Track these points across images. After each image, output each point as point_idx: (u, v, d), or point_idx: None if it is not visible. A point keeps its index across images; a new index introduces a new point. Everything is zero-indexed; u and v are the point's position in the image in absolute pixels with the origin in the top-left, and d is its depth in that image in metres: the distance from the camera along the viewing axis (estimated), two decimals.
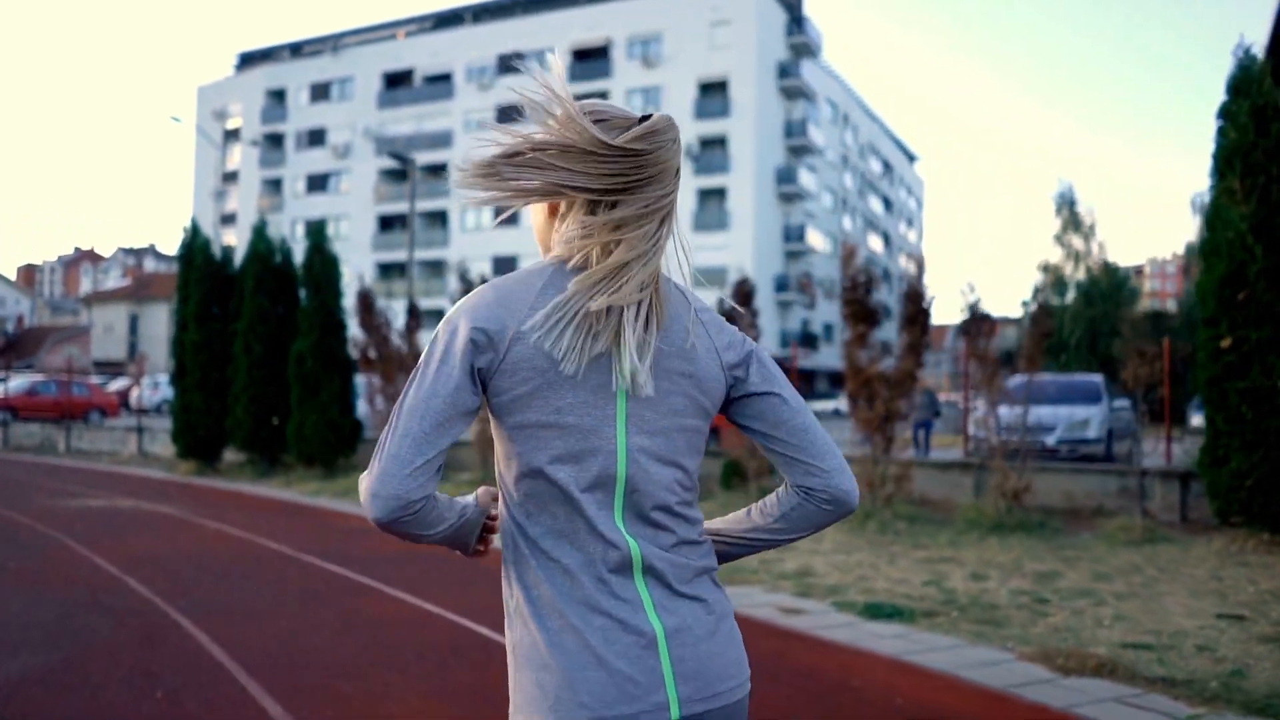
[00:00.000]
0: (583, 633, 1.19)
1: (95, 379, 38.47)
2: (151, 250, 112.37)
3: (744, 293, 10.91)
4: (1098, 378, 15.01)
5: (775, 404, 1.33)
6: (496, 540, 1.34)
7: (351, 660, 4.77)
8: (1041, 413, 11.14)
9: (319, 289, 13.79)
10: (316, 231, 14.11)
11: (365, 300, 13.05)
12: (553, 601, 1.21)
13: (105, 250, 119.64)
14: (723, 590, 1.32)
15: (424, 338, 13.46)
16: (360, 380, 14.28)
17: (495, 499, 1.36)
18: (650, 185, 1.23)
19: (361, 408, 14.28)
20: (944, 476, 11.10)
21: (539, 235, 1.34)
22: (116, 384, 37.98)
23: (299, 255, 14.91)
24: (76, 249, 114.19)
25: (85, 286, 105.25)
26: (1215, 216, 8.53)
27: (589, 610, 1.20)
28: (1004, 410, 9.71)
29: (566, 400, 1.21)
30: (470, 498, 1.34)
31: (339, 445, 13.73)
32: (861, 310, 9.72)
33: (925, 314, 9.71)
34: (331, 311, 13.85)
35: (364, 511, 1.18)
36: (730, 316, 11.07)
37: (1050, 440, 12.57)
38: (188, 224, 15.60)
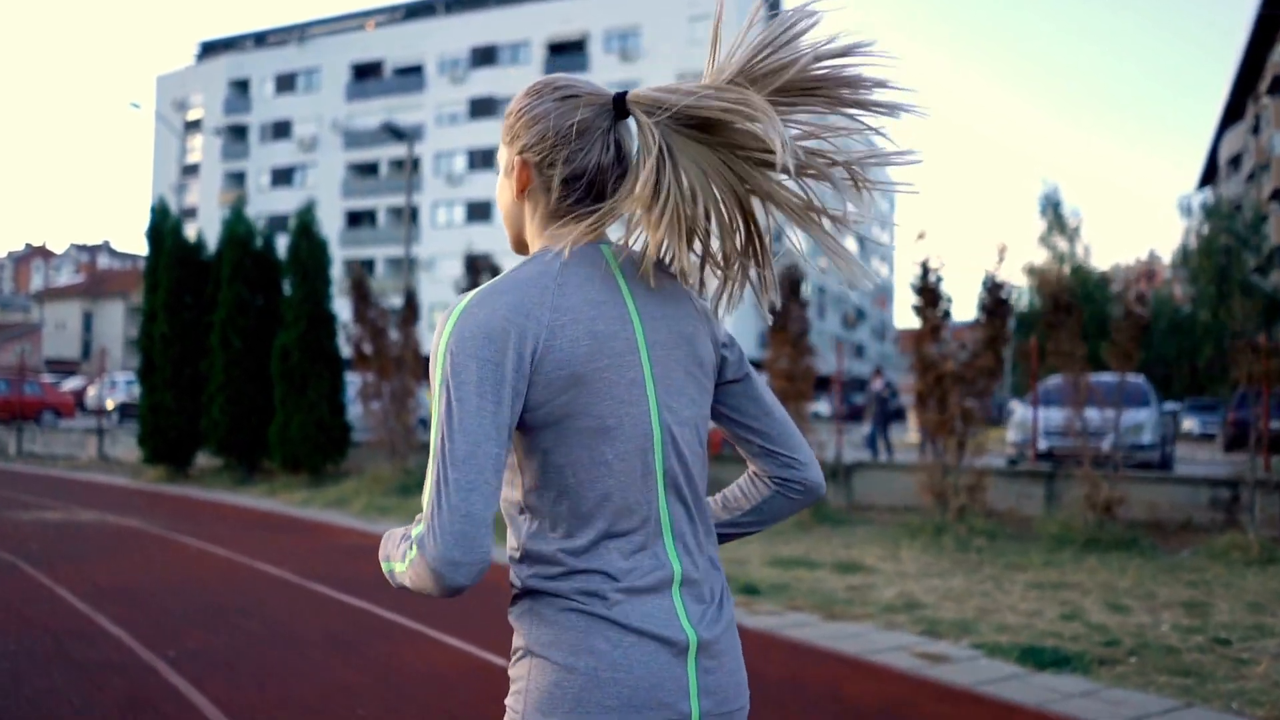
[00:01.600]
0: (615, 639, 1.12)
1: (48, 378, 36.58)
2: (106, 246, 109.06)
3: (792, 281, 9.77)
4: (1140, 378, 14.09)
5: (754, 390, 1.30)
6: None
7: None
8: (1091, 416, 10.30)
9: (306, 277, 12.42)
10: (304, 214, 12.75)
11: (360, 289, 11.73)
12: (585, 610, 1.12)
13: (57, 246, 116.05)
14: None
15: (420, 332, 12.19)
16: (352, 378, 12.94)
17: None
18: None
19: (354, 408, 12.94)
20: (1011, 485, 10.07)
21: (510, 219, 1.25)
22: (70, 383, 36.15)
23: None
24: (27, 245, 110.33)
25: (36, 283, 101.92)
26: None
27: (626, 617, 1.12)
28: (1056, 414, 8.79)
29: (605, 404, 1.13)
30: None
31: (328, 449, 12.38)
32: (934, 299, 8.66)
33: (1005, 305, 8.69)
34: (320, 301, 12.48)
35: (431, 580, 1.04)
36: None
37: (1103, 446, 11.64)
38: (155, 205, 14.19)
